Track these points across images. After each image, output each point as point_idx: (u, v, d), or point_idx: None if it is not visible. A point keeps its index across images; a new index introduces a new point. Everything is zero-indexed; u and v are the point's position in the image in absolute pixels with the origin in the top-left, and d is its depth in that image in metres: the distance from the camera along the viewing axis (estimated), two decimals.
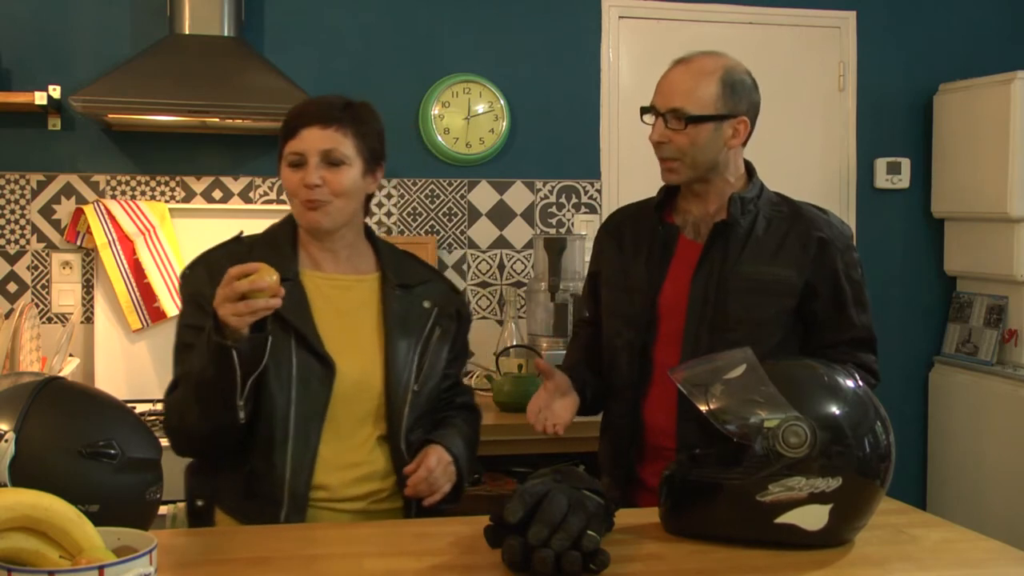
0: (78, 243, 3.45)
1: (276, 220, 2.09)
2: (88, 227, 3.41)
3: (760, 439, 1.63)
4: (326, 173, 1.92)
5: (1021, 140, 3.64)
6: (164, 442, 1.74)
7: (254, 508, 1.90)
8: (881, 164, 4.05)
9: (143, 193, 3.52)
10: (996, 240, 3.79)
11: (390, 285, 2.03)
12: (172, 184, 3.54)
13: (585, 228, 3.74)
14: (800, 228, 2.14)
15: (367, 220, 2.12)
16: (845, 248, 2.16)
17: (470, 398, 2.23)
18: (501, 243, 3.79)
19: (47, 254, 3.47)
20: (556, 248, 3.47)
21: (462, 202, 3.76)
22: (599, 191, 3.84)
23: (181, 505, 2.54)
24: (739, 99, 2.10)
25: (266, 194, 3.61)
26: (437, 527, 1.80)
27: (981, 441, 3.80)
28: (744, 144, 2.16)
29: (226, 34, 3.35)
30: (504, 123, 3.74)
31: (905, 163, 4.06)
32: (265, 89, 3.21)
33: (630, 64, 3.85)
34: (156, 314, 3.39)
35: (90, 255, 3.47)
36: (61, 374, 2.71)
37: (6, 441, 1.49)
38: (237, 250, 1.98)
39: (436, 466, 1.95)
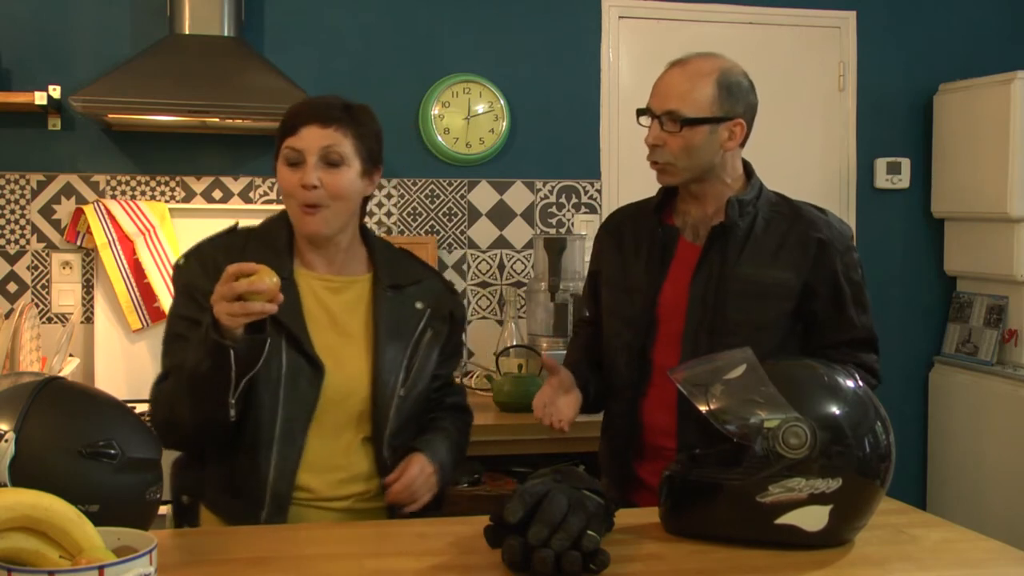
0: (78, 243, 3.45)
1: None
2: (88, 227, 3.41)
3: (760, 439, 1.63)
4: (324, 174, 1.90)
5: (1021, 140, 3.64)
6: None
7: (236, 506, 1.90)
8: (881, 164, 4.05)
9: (143, 193, 3.52)
10: (996, 240, 3.79)
11: (381, 287, 2.01)
12: (172, 184, 3.55)
13: (585, 228, 3.74)
14: (799, 229, 2.13)
15: (367, 220, 2.11)
16: (845, 249, 2.15)
17: (461, 398, 2.22)
18: (501, 243, 3.79)
19: (47, 254, 3.47)
20: (556, 248, 3.47)
21: (462, 202, 3.76)
22: (599, 191, 3.84)
23: None
24: (735, 101, 2.10)
25: (266, 194, 3.61)
26: (437, 527, 1.80)
27: (981, 441, 3.80)
28: (742, 146, 2.15)
29: (226, 34, 3.35)
30: (504, 123, 3.74)
31: (905, 163, 4.06)
32: (265, 89, 3.21)
33: (630, 64, 3.85)
34: (156, 314, 3.39)
35: (90, 255, 3.47)
36: (61, 374, 2.71)
37: (6, 441, 1.49)
38: (231, 243, 1.97)
39: (417, 476, 1.94)
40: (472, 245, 3.77)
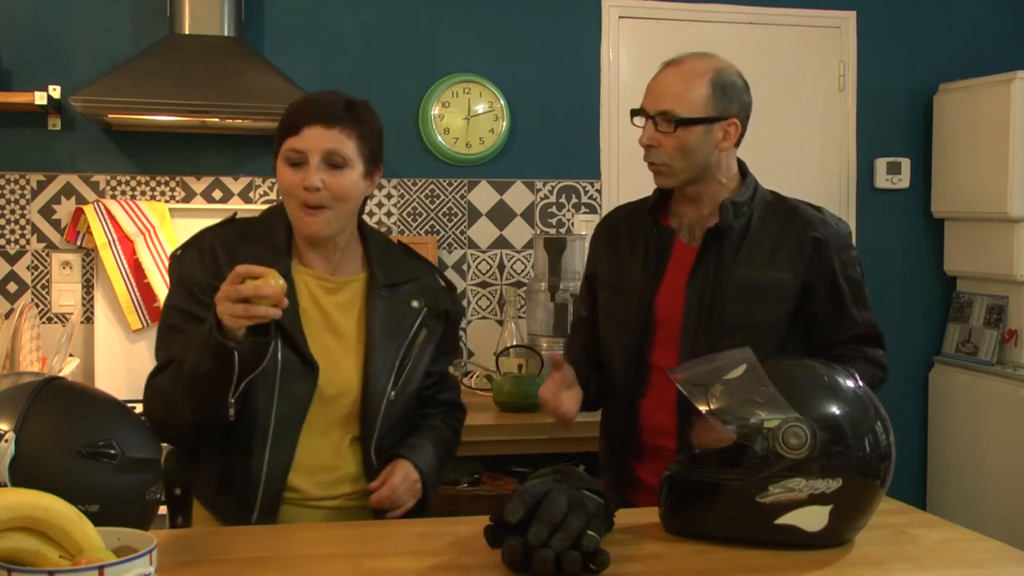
0: (78, 243, 3.45)
1: None
2: (88, 227, 3.41)
3: (760, 440, 1.63)
4: (326, 176, 1.88)
5: (1021, 140, 3.64)
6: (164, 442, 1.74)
7: (227, 504, 1.91)
8: (881, 164, 4.05)
9: (143, 193, 3.52)
10: (996, 240, 3.79)
11: (376, 286, 2.00)
12: (172, 184, 3.55)
13: (585, 228, 3.74)
14: (795, 229, 2.12)
15: (366, 219, 2.10)
16: (842, 247, 2.15)
17: (454, 394, 2.21)
18: (501, 243, 3.79)
19: (47, 254, 3.47)
20: (556, 248, 3.47)
21: (462, 202, 3.76)
22: (599, 191, 3.84)
23: None
24: (730, 101, 2.09)
25: (266, 194, 3.61)
26: (437, 527, 1.80)
27: (981, 441, 3.81)
28: (736, 145, 2.15)
29: (226, 34, 3.35)
30: (504, 123, 3.74)
31: (905, 163, 4.06)
32: (265, 89, 3.21)
33: (630, 64, 3.85)
34: (156, 314, 3.39)
35: (90, 255, 3.47)
36: (61, 374, 2.71)
37: (6, 441, 1.49)
38: (229, 235, 1.96)
39: (400, 484, 1.93)
40: (472, 245, 3.77)
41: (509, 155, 3.79)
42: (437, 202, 3.74)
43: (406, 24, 3.70)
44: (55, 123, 3.46)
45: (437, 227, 3.74)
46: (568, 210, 3.83)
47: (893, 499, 1.92)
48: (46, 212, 3.47)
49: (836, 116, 4.04)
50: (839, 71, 4.02)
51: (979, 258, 3.89)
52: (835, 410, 1.67)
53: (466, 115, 3.71)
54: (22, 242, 3.46)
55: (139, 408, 1.88)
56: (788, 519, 1.64)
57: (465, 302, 3.75)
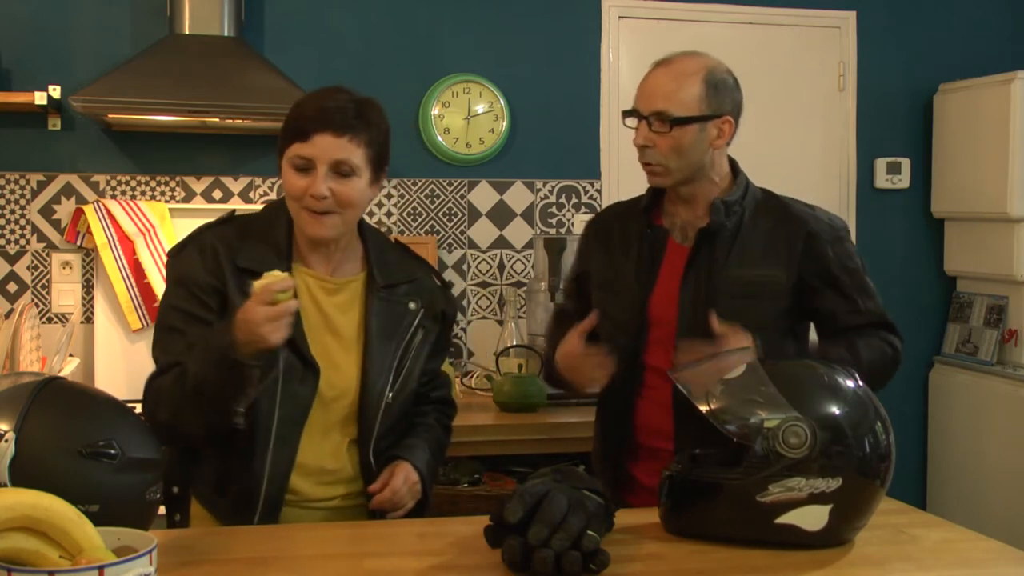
0: (78, 243, 3.45)
1: None
2: (88, 227, 3.41)
3: (760, 439, 1.63)
4: (334, 183, 1.86)
5: (1021, 140, 3.64)
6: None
7: (227, 505, 1.90)
8: (881, 164, 4.05)
9: (143, 193, 3.52)
10: (996, 240, 3.79)
11: (375, 287, 1.99)
12: (172, 184, 3.55)
13: None
14: (787, 225, 2.12)
15: (365, 218, 2.10)
16: (834, 239, 2.13)
17: (447, 391, 2.21)
18: (501, 243, 3.79)
19: (47, 254, 3.47)
20: (556, 248, 3.46)
21: (462, 202, 3.76)
22: (599, 191, 3.84)
23: None
24: (723, 99, 2.09)
25: (266, 194, 3.61)
26: (437, 527, 1.80)
27: (981, 441, 3.81)
28: (728, 144, 2.15)
29: (226, 34, 3.35)
30: (504, 123, 3.74)
31: (905, 163, 4.06)
32: (265, 89, 3.21)
33: (630, 64, 3.84)
34: (156, 314, 3.39)
35: (90, 255, 3.47)
36: (61, 374, 2.71)
37: (6, 441, 1.49)
38: (229, 234, 1.94)
39: (401, 486, 1.94)
40: (472, 245, 3.77)
41: (509, 155, 3.79)
42: (437, 202, 3.74)
43: (406, 24, 3.70)
44: (55, 123, 3.46)
45: (437, 227, 3.74)
46: (568, 210, 3.83)
47: (893, 499, 1.92)
48: (46, 212, 3.47)
49: (836, 116, 4.04)
50: (839, 71, 4.02)
51: (979, 258, 3.89)
52: (835, 410, 1.67)
53: (466, 115, 3.71)
54: (22, 242, 3.46)
55: (139, 408, 1.88)
56: (788, 519, 1.64)
57: (465, 302, 3.75)
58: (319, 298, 1.97)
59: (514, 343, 3.47)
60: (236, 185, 3.59)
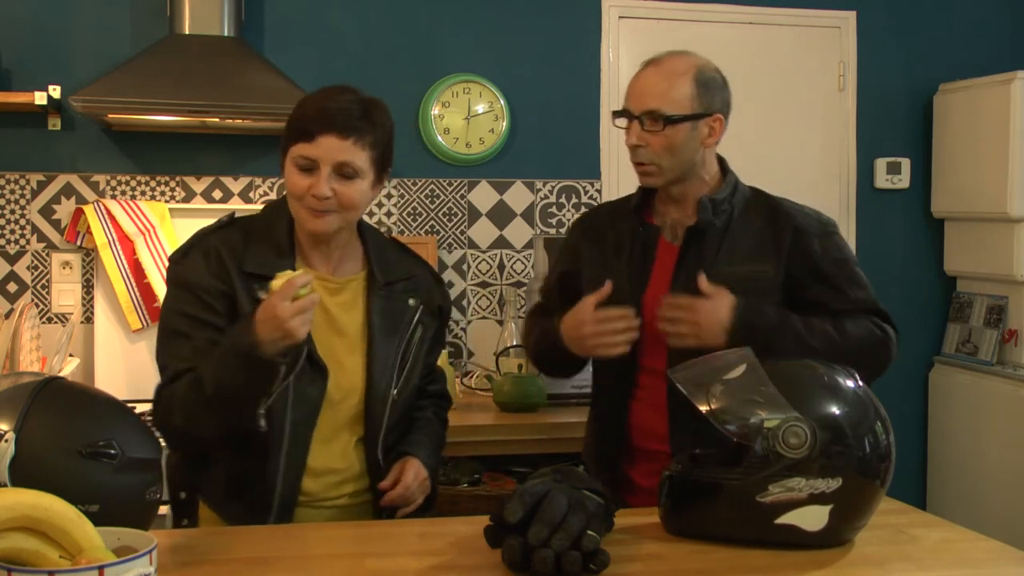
0: (78, 243, 3.45)
1: None
2: (88, 227, 3.41)
3: (760, 439, 1.63)
4: (337, 184, 1.87)
5: (1021, 140, 3.64)
6: (164, 442, 1.74)
7: (241, 508, 1.90)
8: (881, 164, 4.05)
9: (143, 193, 3.52)
10: (996, 240, 3.79)
11: (376, 285, 2.00)
12: (172, 184, 3.55)
13: None
14: (775, 222, 2.12)
15: (365, 218, 2.10)
16: (821, 233, 2.13)
17: (443, 385, 2.23)
18: (501, 243, 3.79)
19: (47, 254, 3.47)
20: (556, 248, 3.46)
21: (462, 202, 3.76)
22: (599, 191, 3.84)
23: None
24: (713, 97, 2.09)
25: (266, 194, 3.61)
26: (437, 527, 1.80)
27: (981, 441, 3.81)
28: (717, 142, 2.14)
29: (226, 34, 3.35)
30: (504, 123, 3.74)
31: (905, 163, 4.06)
32: (265, 89, 3.21)
33: (630, 64, 3.83)
34: (156, 314, 3.39)
35: (90, 255, 3.47)
36: (61, 374, 2.71)
37: (6, 441, 1.49)
38: (231, 237, 1.95)
39: (412, 482, 1.95)
40: (472, 245, 3.77)
41: (509, 155, 3.79)
42: (437, 202, 3.74)
43: (406, 24, 3.70)
44: (55, 123, 3.46)
45: (437, 227, 3.74)
46: (568, 210, 3.83)
47: (893, 499, 1.92)
48: (46, 212, 3.47)
49: (836, 116, 4.03)
50: (839, 71, 4.02)
51: (979, 258, 3.89)
52: (835, 410, 1.67)
53: (466, 115, 3.71)
54: (22, 242, 3.46)
55: (139, 408, 1.88)
56: (788, 519, 1.64)
57: (465, 302, 3.75)
58: (322, 298, 1.97)
59: (514, 343, 3.47)
60: (236, 185, 3.59)
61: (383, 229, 3.66)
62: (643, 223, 2.18)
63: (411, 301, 2.03)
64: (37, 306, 3.42)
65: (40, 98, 3.22)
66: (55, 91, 3.33)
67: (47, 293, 3.46)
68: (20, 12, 3.43)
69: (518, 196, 3.80)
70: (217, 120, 3.30)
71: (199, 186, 3.56)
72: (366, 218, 2.10)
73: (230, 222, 2.00)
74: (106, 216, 3.40)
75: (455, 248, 3.75)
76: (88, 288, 3.48)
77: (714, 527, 1.69)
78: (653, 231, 2.17)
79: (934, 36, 4.09)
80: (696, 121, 2.07)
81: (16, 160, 3.45)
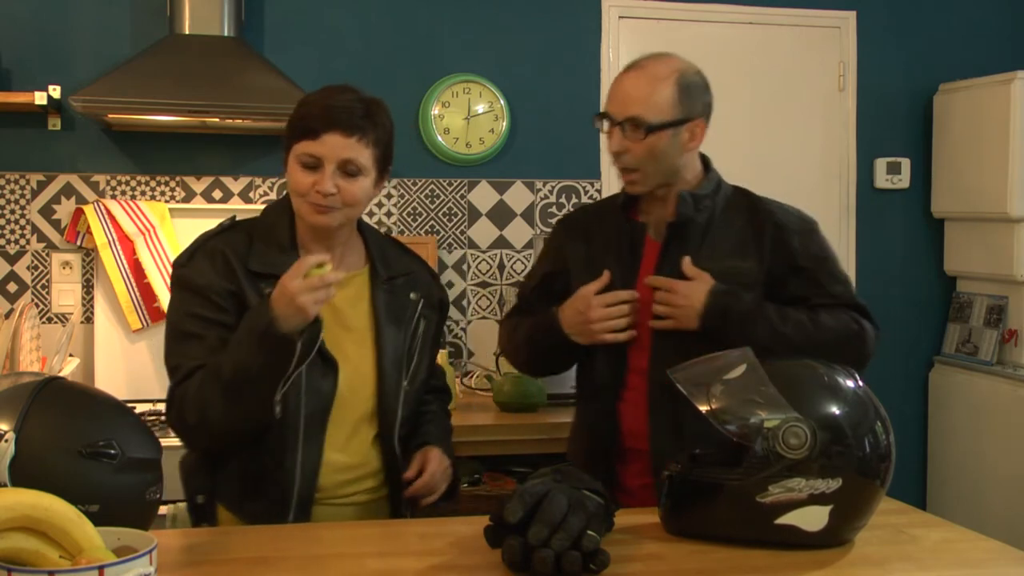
0: (78, 243, 3.45)
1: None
2: (88, 227, 3.41)
3: (760, 440, 1.63)
4: (340, 181, 1.89)
5: (1021, 140, 3.64)
6: (164, 442, 1.73)
7: (259, 507, 1.90)
8: (881, 164, 4.05)
9: (143, 193, 3.52)
10: (996, 240, 3.79)
11: (379, 279, 2.03)
12: (172, 184, 3.55)
13: None
14: (757, 219, 2.13)
15: (365, 217, 2.11)
16: (802, 231, 2.14)
17: (443, 380, 2.27)
18: (501, 243, 3.79)
19: (47, 254, 3.47)
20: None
21: (462, 202, 3.76)
22: (599, 191, 3.84)
23: (181, 505, 2.55)
24: (694, 102, 2.08)
25: (266, 194, 3.61)
26: (437, 527, 1.80)
27: (981, 441, 3.81)
28: (698, 146, 2.15)
29: (226, 34, 3.35)
30: (504, 123, 3.74)
31: (905, 163, 4.06)
32: (265, 89, 3.21)
33: None
34: (156, 314, 3.39)
35: (90, 255, 3.47)
36: (61, 374, 2.71)
37: (6, 441, 1.49)
38: (235, 239, 1.96)
39: (437, 469, 1.98)
40: (472, 245, 3.77)
41: (509, 155, 3.79)
42: (437, 202, 3.74)
43: (406, 24, 3.70)
44: (55, 123, 3.46)
45: (437, 227, 3.74)
46: (568, 210, 3.83)
47: (893, 499, 1.92)
48: (46, 212, 3.47)
49: (836, 116, 4.03)
50: (839, 71, 4.02)
51: (979, 258, 3.89)
52: (835, 410, 1.67)
53: (466, 115, 3.71)
54: (22, 242, 3.46)
55: (139, 408, 1.88)
56: (788, 519, 1.64)
57: (465, 302, 3.75)
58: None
59: None
60: (236, 185, 3.59)
61: (383, 229, 3.66)
62: (629, 220, 2.19)
63: (412, 295, 2.06)
64: (37, 306, 3.42)
65: (40, 98, 3.22)
66: (55, 91, 3.33)
67: (47, 293, 3.47)
68: (20, 12, 3.43)
69: (518, 196, 3.80)
70: (217, 120, 3.30)
71: (199, 186, 3.56)
72: (366, 218, 2.10)
73: (232, 225, 2.02)
74: (106, 216, 3.40)
75: (455, 248, 3.75)
76: (88, 288, 3.48)
77: (714, 527, 1.69)
78: (639, 228, 2.17)
79: (934, 36, 4.09)
80: (678, 127, 2.07)
81: (16, 160, 3.45)
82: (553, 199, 3.82)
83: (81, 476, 1.51)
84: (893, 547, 1.70)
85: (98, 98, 3.12)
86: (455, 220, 3.75)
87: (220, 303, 1.89)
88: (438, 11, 3.72)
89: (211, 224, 2.05)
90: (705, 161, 2.20)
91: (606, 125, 2.11)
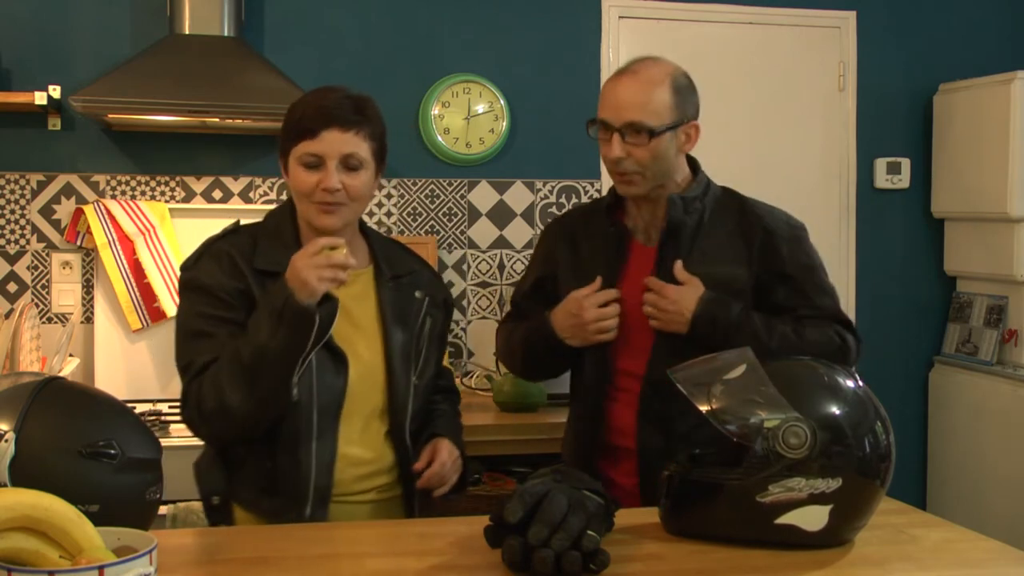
0: (78, 243, 3.45)
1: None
2: (88, 227, 3.41)
3: (760, 439, 1.63)
4: (344, 177, 1.91)
5: (1021, 140, 3.64)
6: (164, 442, 1.74)
7: (276, 504, 1.91)
8: (881, 164, 4.05)
9: (143, 193, 3.52)
10: (996, 240, 3.79)
11: (384, 277, 2.05)
12: (172, 184, 3.55)
13: None
14: (746, 222, 2.13)
15: (365, 218, 2.12)
16: (791, 237, 2.14)
17: (451, 380, 2.29)
18: (501, 243, 3.79)
19: (47, 254, 3.47)
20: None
21: (462, 202, 3.76)
22: (599, 191, 3.84)
23: (182, 505, 2.55)
24: (688, 104, 2.09)
25: (266, 194, 3.61)
26: (438, 527, 1.80)
27: (981, 441, 3.80)
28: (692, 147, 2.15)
29: (226, 34, 3.35)
30: (504, 123, 3.74)
31: (905, 163, 4.06)
32: (265, 89, 3.21)
33: None
34: (156, 314, 3.39)
35: (90, 255, 3.47)
36: (61, 374, 2.71)
37: (6, 441, 1.49)
38: (240, 241, 1.98)
39: (447, 460, 2.01)
40: (472, 245, 3.77)
41: (509, 155, 3.79)
42: (437, 202, 3.74)
43: (406, 24, 3.70)
44: (55, 123, 3.46)
45: (437, 227, 3.74)
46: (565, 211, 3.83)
47: (893, 499, 1.92)
48: (46, 212, 3.47)
49: (836, 116, 4.03)
50: (839, 71, 4.02)
51: (979, 258, 3.89)
52: (835, 410, 1.67)
53: (466, 115, 3.71)
54: (22, 242, 3.46)
55: (139, 408, 1.88)
56: (788, 519, 1.64)
57: (465, 302, 3.75)
58: (335, 290, 1.98)
59: None
60: (236, 185, 3.59)
61: (383, 229, 3.66)
62: (615, 224, 2.19)
63: (417, 294, 2.08)
64: (37, 306, 3.42)
65: (40, 98, 3.22)
66: (55, 91, 3.33)
67: (47, 293, 3.47)
68: (20, 12, 3.43)
69: (518, 196, 3.80)
70: (217, 120, 3.30)
71: (199, 186, 3.56)
72: (366, 218, 2.11)
73: (235, 229, 2.05)
74: (106, 216, 3.40)
75: (455, 248, 3.75)
76: (88, 288, 3.48)
77: (714, 527, 1.69)
78: (625, 232, 2.18)
79: (934, 36, 4.09)
80: (675, 130, 2.08)
81: (16, 160, 3.45)
82: (553, 199, 3.82)
83: (81, 476, 1.51)
84: (893, 547, 1.70)
85: (98, 98, 3.12)
86: (455, 220, 3.75)
87: (229, 301, 1.90)
88: (438, 11, 3.72)
89: (211, 224, 2.07)
90: (693, 163, 2.20)
91: (601, 132, 2.10)
